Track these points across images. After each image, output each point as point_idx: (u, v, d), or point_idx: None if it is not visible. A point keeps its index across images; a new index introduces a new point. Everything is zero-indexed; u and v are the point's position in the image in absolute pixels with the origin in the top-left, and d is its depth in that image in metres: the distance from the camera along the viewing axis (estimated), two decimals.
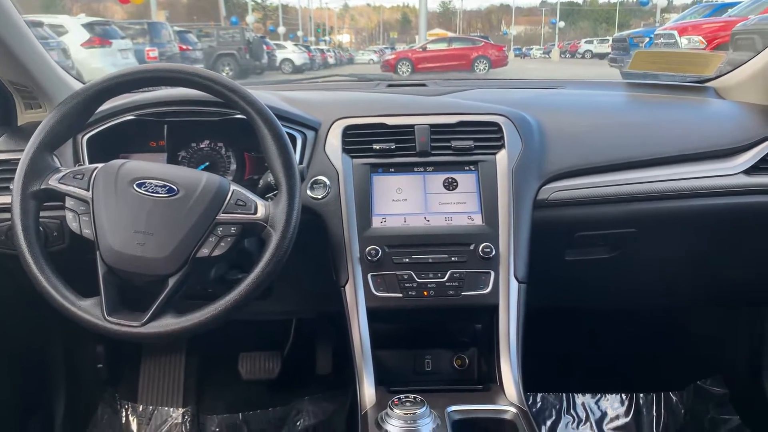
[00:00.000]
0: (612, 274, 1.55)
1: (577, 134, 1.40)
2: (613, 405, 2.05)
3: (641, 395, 2.04)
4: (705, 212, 1.39)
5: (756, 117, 1.50)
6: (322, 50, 26.06)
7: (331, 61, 26.07)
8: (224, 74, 1.18)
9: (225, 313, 1.01)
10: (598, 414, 2.03)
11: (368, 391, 1.13)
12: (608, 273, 1.53)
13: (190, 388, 2.01)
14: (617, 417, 2.03)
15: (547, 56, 35.66)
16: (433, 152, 1.31)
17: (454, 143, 1.31)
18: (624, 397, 2.05)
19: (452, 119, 1.34)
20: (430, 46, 19.23)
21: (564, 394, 2.05)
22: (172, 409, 1.98)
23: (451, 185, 1.30)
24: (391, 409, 1.00)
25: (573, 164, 1.36)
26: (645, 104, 1.62)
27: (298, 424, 1.99)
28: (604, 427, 2.02)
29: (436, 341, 1.37)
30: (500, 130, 1.33)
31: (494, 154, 1.31)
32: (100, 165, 1.08)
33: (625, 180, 1.37)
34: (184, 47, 14.08)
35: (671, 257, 1.51)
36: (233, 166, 1.38)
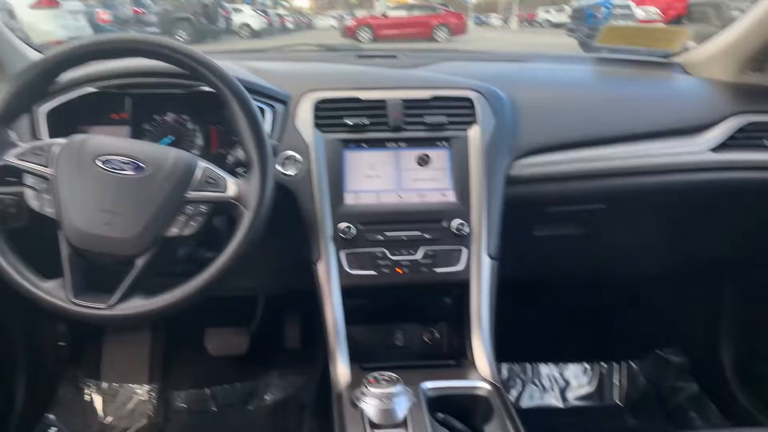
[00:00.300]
0: (580, 250, 1.57)
1: (548, 110, 1.40)
2: (577, 374, 2.10)
3: (604, 364, 2.09)
4: (673, 188, 1.41)
5: (722, 94, 1.52)
6: (280, 15, 25.47)
7: (290, 26, 25.51)
8: (179, 39, 1.13)
9: (196, 293, 0.99)
10: (562, 383, 2.08)
11: (342, 370, 1.13)
12: (577, 248, 1.55)
13: (155, 365, 1.98)
14: (581, 385, 2.09)
15: (505, 24, 35.66)
16: (406, 127, 1.29)
17: (427, 118, 1.29)
18: (587, 366, 2.10)
19: (425, 94, 1.32)
20: (391, 13, 19.05)
21: (529, 364, 2.09)
22: (137, 386, 1.95)
23: (423, 161, 1.28)
24: (367, 388, 1.00)
25: (544, 140, 1.36)
26: (614, 80, 1.63)
27: (266, 398, 1.98)
28: (568, 396, 2.07)
29: (406, 316, 1.37)
30: (473, 105, 1.32)
31: (466, 129, 1.30)
32: (61, 140, 1.03)
33: (595, 156, 1.37)
34: (138, 10, 13.61)
35: (640, 233, 1.54)
36: (199, 141, 1.35)
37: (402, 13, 19.10)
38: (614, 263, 1.68)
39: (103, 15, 11.25)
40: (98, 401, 1.94)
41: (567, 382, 2.09)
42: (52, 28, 8.93)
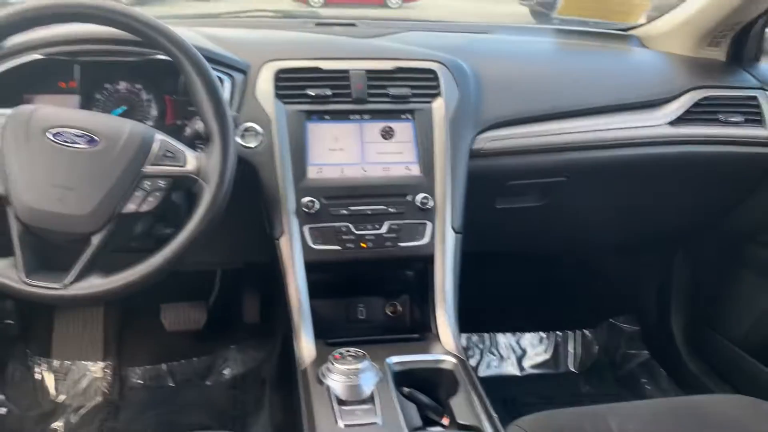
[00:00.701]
0: (540, 222, 1.59)
1: (511, 83, 1.40)
2: (533, 343, 2.14)
3: (559, 333, 2.14)
4: (631, 162, 1.43)
5: (678, 68, 1.54)
6: None
7: None
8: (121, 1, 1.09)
9: (156, 272, 0.96)
10: (519, 352, 2.12)
11: (306, 346, 1.13)
12: (537, 220, 1.58)
13: (109, 341, 1.92)
14: (537, 354, 2.13)
15: None
16: (369, 99, 1.27)
17: (391, 90, 1.28)
18: (543, 335, 2.15)
19: (389, 65, 1.31)
20: None
21: (487, 334, 2.13)
22: (90, 363, 1.90)
23: (387, 134, 1.27)
24: (333, 364, 1.00)
25: (507, 113, 1.36)
26: (575, 53, 1.63)
27: (225, 372, 1.96)
28: (524, 364, 2.11)
29: (368, 289, 1.38)
30: (437, 77, 1.31)
31: (430, 102, 1.29)
32: (7, 111, 0.98)
33: (556, 130, 1.39)
34: None
35: (598, 205, 1.56)
36: (154, 111, 1.30)
37: None
38: (572, 235, 1.71)
39: None
40: (50, 379, 1.88)
41: (524, 351, 2.13)
42: None
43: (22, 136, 0.95)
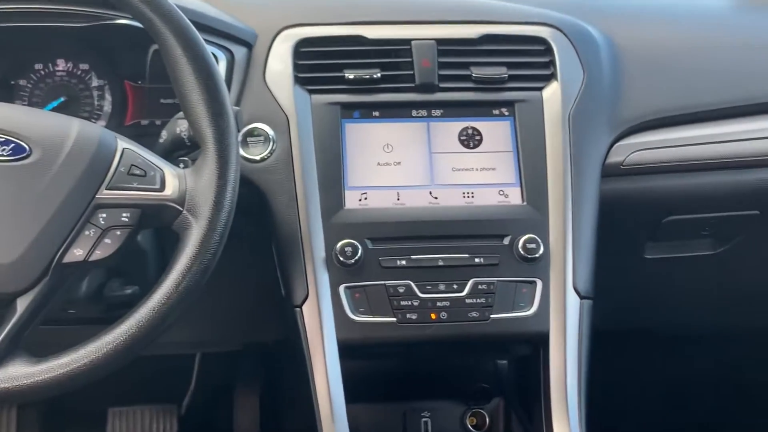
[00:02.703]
0: (715, 280, 1.56)
1: (671, 59, 1.40)
2: None
3: None
4: None
5: None
6: None
7: None
8: None
9: (111, 359, 0.94)
10: None
11: None
12: (709, 278, 1.55)
13: None
14: None
15: None
16: (441, 85, 1.29)
17: (475, 71, 1.29)
18: None
19: (472, 31, 1.32)
20: None
21: None
22: None
23: (471, 140, 1.28)
24: None
25: (665, 108, 1.36)
26: None
27: None
28: None
29: (438, 388, 1.38)
30: (549, 50, 1.32)
31: (540, 89, 1.30)
32: None
33: (742, 133, 1.37)
34: None
35: None
36: (107, 105, 1.34)
37: None
38: (765, 302, 1.66)
39: None
40: None
41: None
42: None
43: None
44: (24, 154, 0.96)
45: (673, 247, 1.46)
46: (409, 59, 1.29)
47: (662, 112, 1.35)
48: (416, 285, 1.20)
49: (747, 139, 1.37)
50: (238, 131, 1.17)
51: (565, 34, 1.34)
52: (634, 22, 1.45)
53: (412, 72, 1.28)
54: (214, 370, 1.97)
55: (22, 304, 0.94)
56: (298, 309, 1.18)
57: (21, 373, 0.94)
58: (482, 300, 1.20)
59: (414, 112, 1.28)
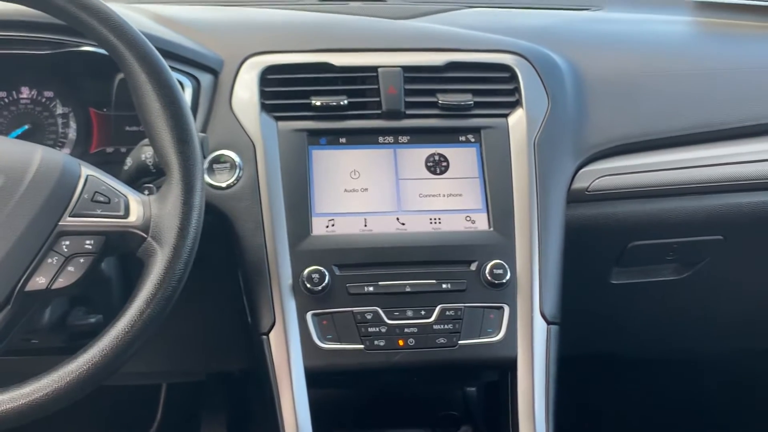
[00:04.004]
0: (680, 305, 1.57)
1: (635, 86, 1.41)
2: None
3: None
4: None
5: None
6: None
7: None
8: None
9: (73, 389, 0.93)
10: None
11: None
12: (675, 303, 1.56)
13: None
14: None
15: None
16: (408, 111, 1.29)
17: (441, 98, 1.29)
18: None
19: (438, 58, 1.32)
20: None
21: None
22: None
23: (438, 166, 1.28)
24: None
25: (628, 134, 1.37)
26: (731, 40, 1.63)
27: None
28: None
29: (407, 416, 1.37)
30: (514, 77, 1.32)
31: (506, 116, 1.30)
32: None
33: (706, 159, 1.38)
34: None
35: None
36: (71, 132, 1.33)
37: None
38: (732, 328, 1.67)
39: None
40: None
41: None
42: None
43: None
44: None
45: (639, 272, 1.47)
46: (376, 86, 1.29)
47: (626, 138, 1.36)
48: (384, 311, 1.19)
49: (710, 165, 1.38)
50: (204, 158, 1.17)
51: (529, 61, 1.34)
52: (598, 50, 1.46)
53: (378, 99, 1.28)
54: (180, 400, 1.95)
55: None
56: (264, 336, 1.18)
57: None
58: (450, 326, 1.20)
59: (381, 139, 1.28)
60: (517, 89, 1.31)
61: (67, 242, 0.96)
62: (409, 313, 1.20)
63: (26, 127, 1.31)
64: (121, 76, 1.18)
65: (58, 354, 0.98)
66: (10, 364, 0.97)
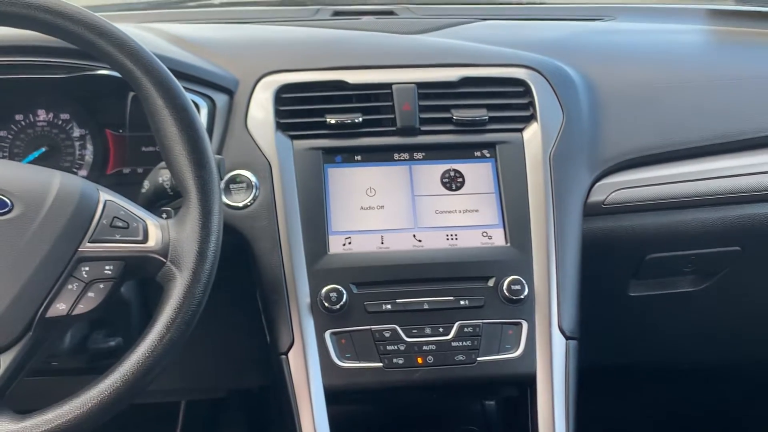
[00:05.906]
0: (699, 316, 1.56)
1: (649, 98, 1.40)
2: None
3: None
4: None
5: None
6: None
7: None
8: None
9: (98, 412, 0.93)
10: None
11: None
12: (693, 314, 1.55)
13: None
14: None
15: None
16: (422, 128, 1.29)
17: (455, 113, 1.29)
18: None
19: (452, 74, 1.32)
20: None
21: None
22: None
23: (453, 182, 1.28)
24: None
25: (644, 146, 1.36)
26: (746, 48, 1.63)
27: None
28: None
29: (426, 431, 1.36)
30: (529, 92, 1.33)
31: (521, 130, 1.31)
32: None
33: (723, 170, 1.38)
34: None
35: None
36: (89, 155, 1.33)
37: None
38: (748, 336, 1.67)
39: None
40: None
41: None
42: None
43: None
44: (6, 209, 0.96)
45: (657, 285, 1.46)
46: (390, 103, 1.29)
47: (642, 150, 1.35)
48: (402, 329, 1.19)
49: (727, 176, 1.37)
50: (221, 180, 1.17)
51: (543, 75, 1.34)
52: (612, 61, 1.45)
53: (393, 116, 1.28)
54: (199, 417, 1.95)
55: (5, 361, 0.94)
56: (283, 356, 1.18)
57: (4, 431, 0.93)
58: (468, 343, 1.20)
59: (396, 156, 1.28)
60: (531, 103, 1.31)
61: (87, 268, 0.96)
62: (428, 331, 1.19)
63: (43, 149, 1.31)
64: (133, 94, 1.18)
65: (78, 374, 0.98)
66: (31, 384, 0.97)
